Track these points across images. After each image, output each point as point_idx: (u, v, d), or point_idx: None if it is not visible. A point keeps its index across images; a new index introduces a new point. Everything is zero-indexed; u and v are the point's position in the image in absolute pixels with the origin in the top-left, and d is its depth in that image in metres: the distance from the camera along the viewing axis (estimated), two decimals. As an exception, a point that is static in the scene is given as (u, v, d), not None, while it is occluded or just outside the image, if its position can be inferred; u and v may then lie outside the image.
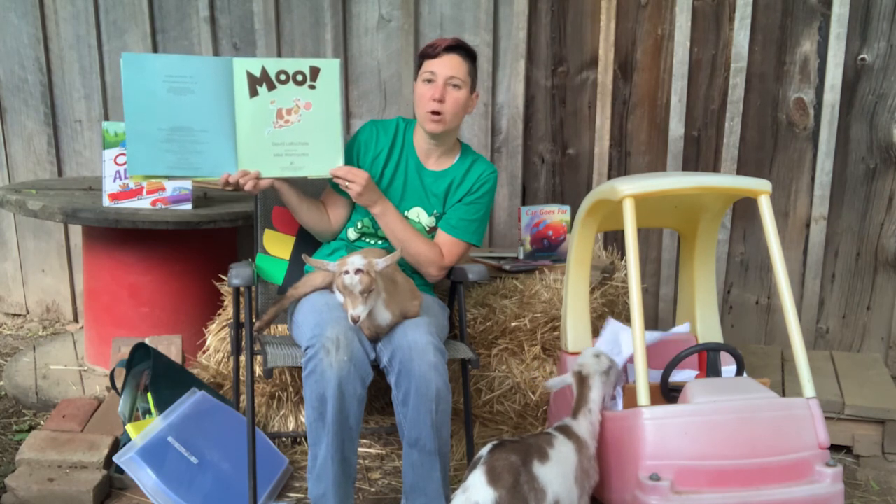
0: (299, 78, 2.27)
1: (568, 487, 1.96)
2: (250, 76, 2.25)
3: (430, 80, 2.35)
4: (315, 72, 2.28)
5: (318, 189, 2.51)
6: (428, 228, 2.47)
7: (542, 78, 3.54)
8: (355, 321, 2.00)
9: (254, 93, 2.25)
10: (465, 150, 2.53)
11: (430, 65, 2.36)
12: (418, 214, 2.46)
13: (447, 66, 2.34)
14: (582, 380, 2.13)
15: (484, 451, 1.93)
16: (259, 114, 2.25)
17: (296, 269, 2.52)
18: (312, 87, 2.28)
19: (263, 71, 2.25)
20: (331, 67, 2.29)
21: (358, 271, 2.01)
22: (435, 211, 2.46)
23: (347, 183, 2.28)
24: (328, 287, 2.26)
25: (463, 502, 1.83)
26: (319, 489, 2.08)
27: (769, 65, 3.38)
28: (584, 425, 2.08)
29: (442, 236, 2.46)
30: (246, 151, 2.25)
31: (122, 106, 2.21)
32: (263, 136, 2.26)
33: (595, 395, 2.10)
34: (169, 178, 2.27)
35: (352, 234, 2.47)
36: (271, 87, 2.26)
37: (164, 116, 2.19)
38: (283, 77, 2.26)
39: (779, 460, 1.90)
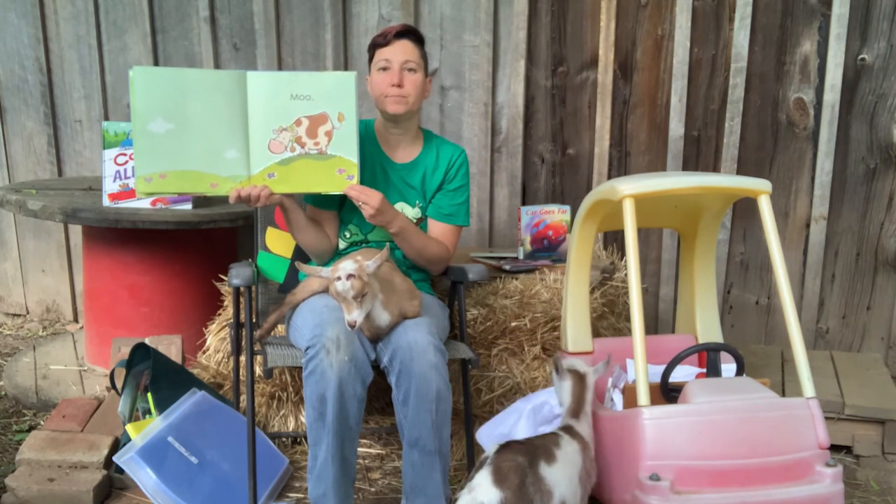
0: (314, 92, 2.21)
1: (573, 488, 1.95)
2: (264, 90, 2.19)
3: (385, 69, 2.34)
4: (330, 85, 2.22)
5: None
6: (415, 220, 2.46)
7: (542, 78, 3.54)
8: (352, 326, 2.00)
9: (268, 107, 2.19)
10: (428, 135, 2.52)
11: (382, 53, 2.35)
12: (402, 209, 2.45)
13: (401, 52, 2.33)
14: (580, 378, 2.12)
15: (490, 451, 1.92)
16: (273, 128, 2.20)
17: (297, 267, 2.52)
18: (327, 101, 2.21)
19: (278, 85, 2.20)
20: (346, 80, 2.22)
21: (349, 276, 1.99)
22: (417, 202, 2.46)
23: (361, 203, 2.23)
24: (326, 290, 2.25)
25: (468, 502, 1.83)
26: (319, 489, 2.08)
27: (769, 65, 3.38)
28: (585, 426, 2.08)
29: (440, 227, 2.46)
30: (259, 165, 2.20)
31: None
32: (278, 151, 2.22)
33: (590, 395, 2.11)
34: (179, 193, 2.22)
35: (341, 244, 2.46)
36: (286, 101, 2.20)
37: (176, 129, 2.13)
38: (297, 91, 2.20)
39: (779, 460, 1.90)
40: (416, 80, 2.35)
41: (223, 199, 2.98)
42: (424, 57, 2.40)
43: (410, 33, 2.37)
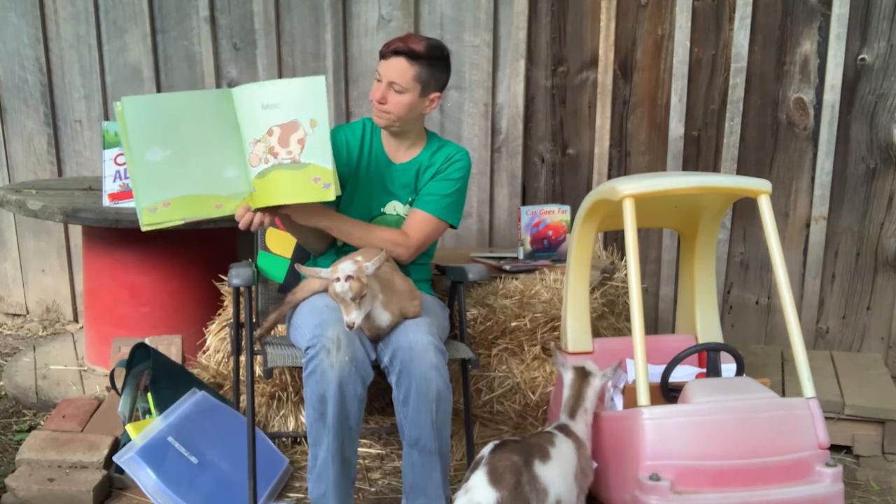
0: (284, 100, 2.14)
1: (569, 487, 1.96)
2: (248, 104, 2.15)
3: (378, 80, 2.34)
4: (300, 91, 2.16)
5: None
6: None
7: (542, 78, 3.54)
8: (350, 328, 2.00)
9: (244, 120, 2.15)
10: (432, 137, 2.50)
11: (380, 65, 2.33)
12: (394, 207, 2.44)
13: (390, 70, 2.29)
14: (583, 375, 2.13)
15: (485, 451, 1.93)
16: (248, 141, 2.15)
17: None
18: (298, 108, 2.14)
19: (250, 96, 2.16)
20: (316, 85, 2.14)
21: (348, 278, 1.99)
22: (409, 199, 2.45)
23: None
24: (326, 290, 2.25)
25: (465, 503, 1.84)
26: (320, 489, 2.08)
27: (769, 65, 3.38)
28: (581, 426, 2.09)
29: (412, 214, 2.41)
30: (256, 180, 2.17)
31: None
32: (255, 164, 2.15)
33: (592, 394, 2.12)
34: (185, 219, 2.11)
35: (338, 240, 2.46)
36: (258, 112, 2.14)
37: (173, 154, 2.08)
38: (267, 101, 2.14)
39: (779, 460, 1.91)
40: (402, 100, 2.30)
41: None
42: (422, 77, 2.30)
43: (407, 53, 2.28)
